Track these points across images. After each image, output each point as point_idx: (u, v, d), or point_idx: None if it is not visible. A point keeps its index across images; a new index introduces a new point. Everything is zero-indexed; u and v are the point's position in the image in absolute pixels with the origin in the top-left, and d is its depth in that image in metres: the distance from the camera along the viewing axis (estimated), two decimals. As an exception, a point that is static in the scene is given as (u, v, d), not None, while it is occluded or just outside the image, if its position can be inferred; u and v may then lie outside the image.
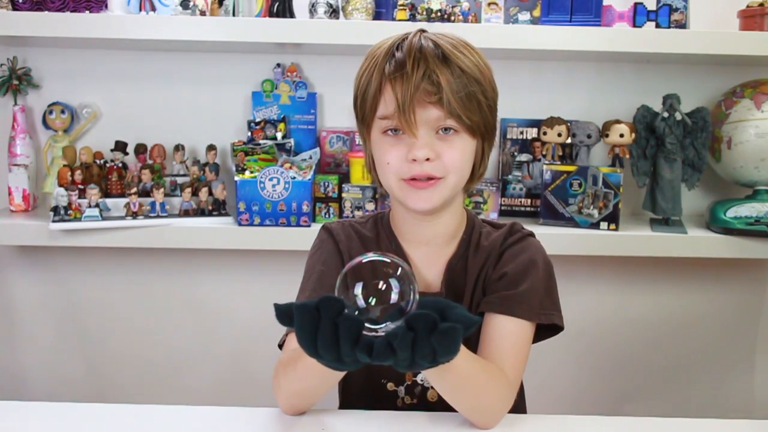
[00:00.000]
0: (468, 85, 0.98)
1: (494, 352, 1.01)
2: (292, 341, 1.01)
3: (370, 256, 0.79)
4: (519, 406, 1.05)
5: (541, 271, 1.07)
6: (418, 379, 1.09)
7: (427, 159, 0.97)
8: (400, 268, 0.78)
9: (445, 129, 0.99)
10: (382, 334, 0.74)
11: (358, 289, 0.78)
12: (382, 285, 0.78)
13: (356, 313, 0.76)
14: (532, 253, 1.08)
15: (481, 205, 1.80)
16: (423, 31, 1.02)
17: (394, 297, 0.77)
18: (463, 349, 0.82)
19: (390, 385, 1.10)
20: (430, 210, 1.02)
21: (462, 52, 1.00)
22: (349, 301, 0.77)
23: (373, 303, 0.78)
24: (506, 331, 1.02)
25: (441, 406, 0.97)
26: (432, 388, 1.07)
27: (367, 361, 0.73)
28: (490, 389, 0.97)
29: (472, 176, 1.05)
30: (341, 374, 0.96)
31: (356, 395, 1.12)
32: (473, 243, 1.09)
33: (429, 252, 1.09)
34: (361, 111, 1.04)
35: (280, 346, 1.08)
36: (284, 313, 0.75)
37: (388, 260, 0.79)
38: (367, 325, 0.75)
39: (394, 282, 0.78)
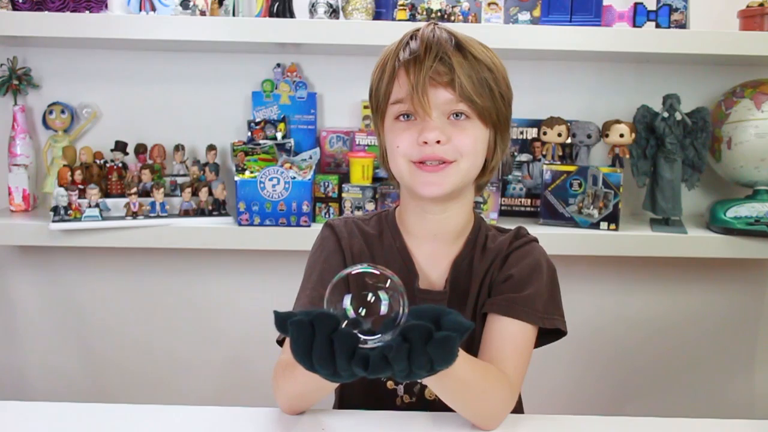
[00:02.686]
0: (480, 71, 0.99)
1: (496, 354, 1.01)
2: None
3: (359, 268, 0.79)
4: (516, 406, 1.05)
5: (545, 275, 1.07)
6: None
7: (438, 142, 0.98)
8: (389, 280, 0.78)
9: (457, 114, 0.99)
10: (373, 346, 0.73)
11: (347, 301, 0.78)
12: (371, 297, 0.78)
13: (345, 323, 0.76)
14: (537, 258, 1.08)
15: (481, 205, 1.80)
16: (436, 23, 1.04)
17: (383, 309, 0.77)
18: (462, 354, 0.81)
19: (389, 384, 1.10)
20: (440, 196, 1.02)
21: (476, 44, 1.02)
22: (339, 313, 0.77)
23: (362, 315, 0.77)
24: (509, 333, 1.02)
25: (440, 404, 0.97)
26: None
27: (364, 374, 0.73)
28: (491, 392, 0.97)
29: (484, 168, 1.05)
30: None
31: (355, 393, 1.12)
32: (479, 244, 1.09)
33: (435, 249, 1.08)
34: (375, 99, 1.05)
35: (279, 342, 1.08)
36: (283, 322, 0.75)
37: (378, 272, 0.78)
38: (359, 336, 0.74)
39: (383, 294, 0.77)
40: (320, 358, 0.72)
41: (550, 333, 1.07)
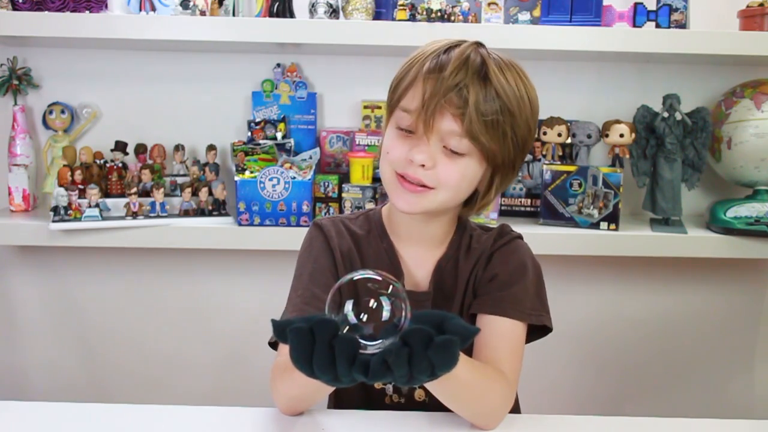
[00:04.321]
0: (498, 113, 0.95)
1: (491, 354, 1.01)
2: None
3: (362, 274, 0.79)
4: (513, 406, 1.05)
5: (530, 273, 1.07)
6: None
7: (423, 166, 0.96)
8: (391, 286, 0.78)
9: (454, 152, 0.96)
10: (374, 351, 0.73)
11: (349, 307, 0.77)
12: (373, 303, 0.77)
13: (347, 329, 0.76)
14: (521, 255, 1.08)
15: (481, 205, 1.80)
16: (480, 45, 1.00)
17: (385, 315, 0.77)
18: (461, 356, 0.81)
19: (378, 384, 1.10)
20: (411, 214, 1.02)
21: (508, 77, 0.97)
22: (340, 318, 0.77)
23: (364, 320, 0.77)
24: (501, 331, 1.02)
25: (430, 405, 0.97)
26: (420, 387, 1.07)
27: (364, 380, 0.72)
28: (490, 392, 0.97)
29: (472, 202, 1.05)
30: None
31: (345, 392, 1.12)
32: (464, 245, 1.09)
33: (420, 251, 1.09)
34: (390, 96, 1.03)
35: (271, 344, 1.08)
36: (282, 331, 0.74)
37: (380, 278, 0.78)
38: (359, 341, 0.74)
39: (385, 300, 0.77)
40: (321, 364, 0.72)
41: (537, 330, 1.07)
